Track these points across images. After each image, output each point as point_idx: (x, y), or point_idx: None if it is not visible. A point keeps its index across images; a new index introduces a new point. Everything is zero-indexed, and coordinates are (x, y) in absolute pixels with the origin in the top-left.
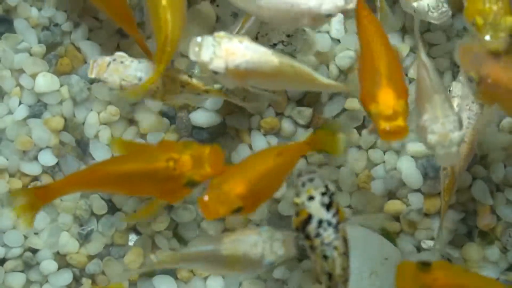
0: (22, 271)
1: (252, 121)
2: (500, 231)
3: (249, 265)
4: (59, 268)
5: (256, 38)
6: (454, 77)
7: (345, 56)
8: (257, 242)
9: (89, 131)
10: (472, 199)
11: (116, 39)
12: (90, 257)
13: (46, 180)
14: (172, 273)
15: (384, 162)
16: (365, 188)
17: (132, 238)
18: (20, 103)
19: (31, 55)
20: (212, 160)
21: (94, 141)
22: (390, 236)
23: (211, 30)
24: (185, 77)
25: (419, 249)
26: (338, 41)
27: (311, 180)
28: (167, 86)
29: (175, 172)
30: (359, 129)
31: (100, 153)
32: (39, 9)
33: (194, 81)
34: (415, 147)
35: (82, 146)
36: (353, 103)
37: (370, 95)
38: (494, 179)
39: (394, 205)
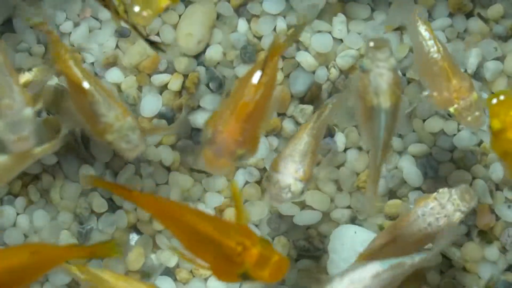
0: None
1: None
2: (499, 231)
3: None
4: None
5: None
6: None
7: (346, 55)
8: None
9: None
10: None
11: (115, 39)
12: None
13: (46, 179)
14: (172, 274)
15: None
16: (365, 188)
17: (133, 237)
18: None
19: (30, 55)
20: (274, 269)
21: (94, 140)
22: None
23: (211, 28)
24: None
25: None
26: (341, 40)
27: None
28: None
29: (238, 258)
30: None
31: (100, 152)
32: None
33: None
34: (415, 146)
35: (82, 145)
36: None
37: None
38: (493, 179)
39: (394, 205)
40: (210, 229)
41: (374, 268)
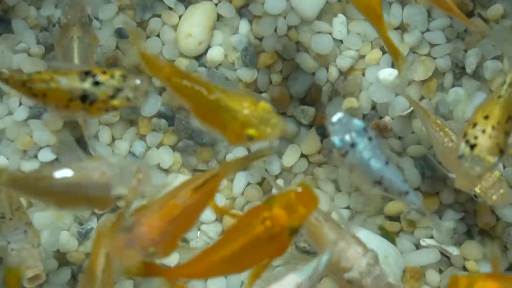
0: None
1: None
2: (500, 231)
3: None
4: (58, 267)
5: None
6: (456, 78)
7: (346, 56)
8: None
9: (89, 131)
10: (471, 198)
11: (115, 40)
12: (89, 254)
13: None
14: None
15: None
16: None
17: None
18: (20, 104)
19: (29, 55)
20: (303, 200)
21: (94, 140)
22: (388, 236)
23: (212, 29)
24: None
25: (418, 247)
26: (341, 41)
27: None
28: None
29: (275, 229)
30: None
31: (100, 152)
32: (38, 8)
33: None
34: (414, 148)
35: (82, 145)
36: (352, 102)
37: None
38: None
39: (395, 206)
40: (239, 243)
41: (293, 280)
